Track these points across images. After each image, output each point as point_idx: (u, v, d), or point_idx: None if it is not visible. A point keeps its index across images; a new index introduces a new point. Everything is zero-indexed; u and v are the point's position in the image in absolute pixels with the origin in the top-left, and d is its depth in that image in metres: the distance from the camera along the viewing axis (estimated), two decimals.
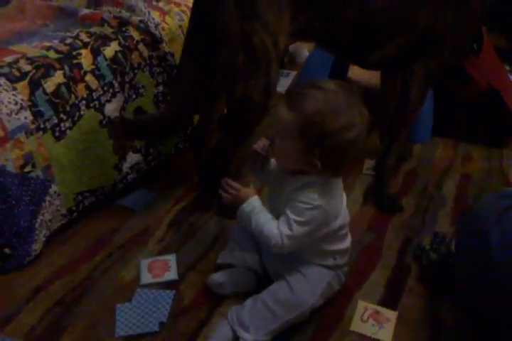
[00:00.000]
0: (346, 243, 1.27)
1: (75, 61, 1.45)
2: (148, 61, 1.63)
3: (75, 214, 1.52)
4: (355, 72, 2.61)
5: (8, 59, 1.37)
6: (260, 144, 1.25)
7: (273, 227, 1.13)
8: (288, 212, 1.12)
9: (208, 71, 1.38)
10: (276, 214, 1.17)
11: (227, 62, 1.32)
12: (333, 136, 1.04)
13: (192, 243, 1.50)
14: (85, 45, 1.49)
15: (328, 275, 1.23)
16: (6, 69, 1.33)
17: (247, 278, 1.30)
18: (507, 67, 2.20)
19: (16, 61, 1.36)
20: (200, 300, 1.29)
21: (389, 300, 1.32)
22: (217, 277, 1.29)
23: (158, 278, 1.36)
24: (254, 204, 1.17)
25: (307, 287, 1.19)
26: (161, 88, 1.68)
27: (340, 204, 1.20)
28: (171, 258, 1.42)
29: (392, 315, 1.27)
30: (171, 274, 1.37)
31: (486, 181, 1.84)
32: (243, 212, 1.18)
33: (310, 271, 1.21)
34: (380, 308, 1.29)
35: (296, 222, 1.11)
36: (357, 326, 1.24)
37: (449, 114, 2.03)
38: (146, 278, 1.36)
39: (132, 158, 1.64)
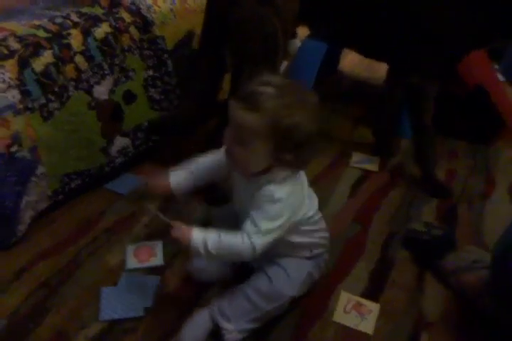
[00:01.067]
0: (321, 233, 1.26)
1: (64, 41, 1.42)
2: (138, 44, 1.61)
3: (61, 196, 1.50)
4: (346, 65, 2.62)
5: None
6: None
7: (236, 237, 1.06)
8: (252, 212, 1.07)
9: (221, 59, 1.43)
10: (240, 213, 1.16)
11: (239, 48, 1.36)
12: (300, 127, 1.00)
13: None
14: (75, 25, 1.46)
15: (308, 265, 1.24)
16: None
17: (226, 266, 1.30)
18: (495, 66, 2.22)
19: (4, 39, 1.33)
20: (185, 288, 1.29)
21: (372, 293, 1.33)
22: (198, 263, 1.29)
23: (143, 263, 1.36)
24: (202, 242, 1.05)
25: (286, 279, 1.19)
26: (150, 72, 1.66)
27: (304, 197, 1.17)
28: (158, 244, 1.42)
29: (374, 306, 1.29)
30: (157, 260, 1.37)
31: (470, 177, 1.86)
32: (198, 251, 1.07)
33: (288, 263, 1.20)
34: (362, 300, 1.30)
35: (263, 218, 1.06)
36: (339, 317, 1.25)
37: (437, 111, 2.04)
38: (132, 262, 1.36)
39: (120, 141, 1.63)
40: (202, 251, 1.05)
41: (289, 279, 1.19)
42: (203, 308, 1.19)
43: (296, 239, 1.19)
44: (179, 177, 1.22)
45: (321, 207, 1.57)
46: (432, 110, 1.67)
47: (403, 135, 1.99)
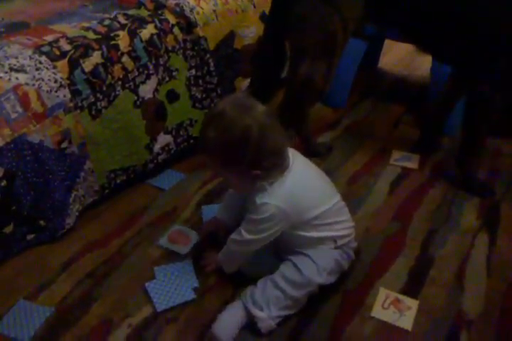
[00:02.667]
0: (343, 225, 1.28)
1: (112, 42, 1.48)
2: (182, 44, 1.65)
3: (107, 191, 1.56)
4: (386, 63, 2.61)
5: (49, 38, 1.41)
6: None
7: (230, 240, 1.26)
8: (249, 215, 1.20)
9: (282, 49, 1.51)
10: None
11: (300, 42, 1.42)
12: (241, 145, 1.08)
13: None
14: (123, 26, 1.52)
15: (335, 253, 1.26)
16: (46, 48, 1.37)
17: (267, 259, 1.33)
18: None
19: (57, 40, 1.40)
20: (225, 281, 1.33)
21: (411, 290, 1.33)
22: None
23: (172, 245, 1.43)
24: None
25: (313, 267, 1.21)
26: (193, 71, 1.70)
27: (309, 194, 1.22)
28: (195, 236, 1.47)
29: (413, 303, 1.28)
30: (184, 248, 1.42)
31: None
32: (225, 260, 1.31)
33: (314, 252, 1.23)
34: (401, 296, 1.30)
35: (251, 220, 1.19)
36: (378, 312, 1.26)
37: None
38: (164, 240, 1.44)
39: (163, 139, 1.67)
40: (222, 261, 1.30)
41: (315, 266, 1.22)
42: (236, 299, 1.23)
43: (316, 234, 1.23)
44: (222, 213, 1.44)
45: (360, 204, 1.62)
46: (494, 118, 1.62)
47: (446, 132, 1.97)
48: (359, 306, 1.27)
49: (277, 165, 1.15)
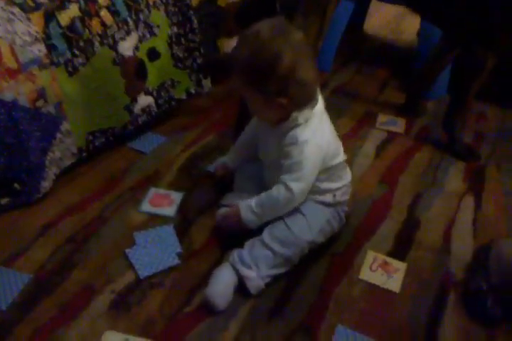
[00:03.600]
0: (346, 180, 1.29)
1: None
2: (164, 0, 1.56)
3: (85, 153, 1.50)
4: (371, 26, 2.55)
5: None
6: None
7: (273, 190, 1.17)
8: (282, 161, 1.15)
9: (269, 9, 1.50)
10: (270, 166, 1.25)
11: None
12: (270, 70, 1.04)
13: (202, 188, 1.48)
14: None
15: (327, 212, 1.25)
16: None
17: None
18: None
19: None
20: (211, 244, 1.29)
21: (398, 252, 1.32)
22: (224, 210, 1.30)
23: (156, 208, 1.38)
24: (248, 208, 1.20)
25: (304, 224, 1.20)
26: (175, 29, 1.62)
27: (333, 141, 1.21)
28: (179, 195, 1.43)
29: (401, 265, 1.28)
30: (170, 210, 1.38)
31: (499, 140, 1.82)
32: (248, 218, 1.21)
33: (308, 209, 1.22)
34: (389, 259, 1.30)
35: (291, 164, 1.14)
36: (366, 275, 1.25)
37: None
38: (146, 205, 1.39)
39: (144, 100, 1.60)
40: (252, 216, 1.19)
41: (307, 224, 1.20)
42: (225, 262, 1.20)
43: (325, 184, 1.22)
44: (231, 156, 1.42)
45: None
46: (483, 79, 1.61)
47: (431, 96, 1.95)
48: (347, 268, 1.26)
49: (306, 98, 1.11)
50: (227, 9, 1.81)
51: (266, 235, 1.19)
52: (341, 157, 1.24)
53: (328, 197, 1.24)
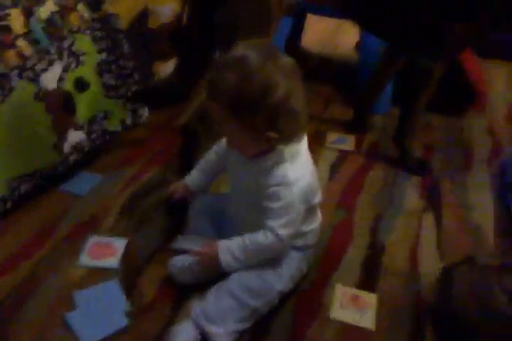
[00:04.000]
0: (318, 221, 1.21)
1: (2, 23, 1.24)
2: (89, 24, 1.44)
3: (10, 203, 1.34)
4: (308, 41, 2.51)
5: None
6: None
7: (259, 235, 1.04)
8: (267, 203, 1.02)
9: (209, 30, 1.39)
10: (244, 204, 1.13)
11: (232, 17, 1.30)
12: (261, 100, 0.91)
13: (148, 231, 1.35)
14: (15, 4, 1.28)
15: (297, 258, 1.16)
16: None
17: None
18: None
19: None
20: (164, 295, 1.16)
21: (367, 282, 1.25)
22: (180, 261, 1.16)
23: (98, 261, 1.23)
24: (228, 251, 1.06)
25: (275, 272, 1.11)
26: (104, 55, 1.50)
27: (314, 177, 1.12)
28: (122, 242, 1.29)
29: (371, 298, 1.21)
30: (114, 260, 1.24)
31: (448, 151, 1.80)
32: (228, 262, 1.06)
33: (278, 258, 1.12)
34: (358, 291, 1.22)
35: (280, 208, 1.01)
36: (337, 313, 1.16)
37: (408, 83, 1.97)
38: (85, 259, 1.24)
39: (74, 136, 1.46)
40: (231, 261, 1.06)
41: (276, 272, 1.11)
42: (185, 319, 1.08)
43: (300, 226, 1.11)
44: (193, 177, 1.27)
45: None
46: (433, 91, 1.59)
47: (378, 110, 1.92)
48: (317, 307, 1.17)
49: (296, 131, 0.98)
50: (159, 31, 1.71)
51: (234, 284, 1.07)
52: (319, 195, 1.14)
53: (299, 242, 1.15)
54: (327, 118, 1.95)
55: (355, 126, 1.87)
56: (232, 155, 1.12)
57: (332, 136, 1.82)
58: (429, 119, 1.96)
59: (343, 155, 1.73)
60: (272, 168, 1.01)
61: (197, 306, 1.07)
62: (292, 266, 1.14)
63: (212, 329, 1.03)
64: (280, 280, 1.11)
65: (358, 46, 2.26)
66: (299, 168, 1.03)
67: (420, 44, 1.48)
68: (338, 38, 2.56)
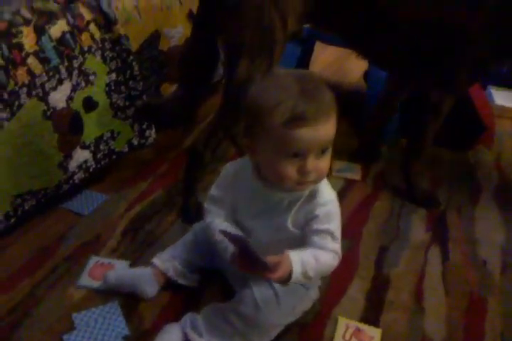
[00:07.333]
0: None
1: (14, 40, 1.24)
2: (100, 44, 1.44)
3: (13, 219, 1.32)
4: (316, 68, 2.52)
5: None
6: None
7: (328, 257, 1.02)
8: (319, 226, 1.01)
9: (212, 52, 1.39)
10: (271, 241, 1.05)
11: (235, 38, 1.28)
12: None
13: (150, 253, 1.31)
14: (27, 22, 1.28)
15: (302, 292, 1.12)
16: None
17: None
18: None
19: None
20: (164, 321, 1.13)
21: (370, 315, 1.22)
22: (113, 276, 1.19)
23: (99, 281, 1.21)
24: (299, 266, 0.96)
25: (277, 306, 1.05)
26: (113, 76, 1.49)
27: None
28: (122, 265, 1.27)
29: (375, 332, 1.17)
30: None
31: (455, 184, 1.78)
32: (295, 281, 0.98)
33: (282, 288, 1.06)
34: (362, 325, 1.19)
35: (337, 227, 1.04)
36: None
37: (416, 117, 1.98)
38: (85, 278, 1.22)
39: (80, 155, 1.45)
40: (300, 277, 0.97)
41: (279, 305, 1.06)
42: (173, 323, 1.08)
43: None
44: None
45: None
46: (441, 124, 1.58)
47: (384, 140, 1.91)
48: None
49: None
50: (169, 54, 1.72)
51: (231, 308, 1.05)
52: None
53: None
54: (335, 146, 1.94)
55: (362, 156, 1.86)
56: (246, 204, 1.08)
57: (338, 164, 1.80)
58: (436, 153, 1.96)
59: (350, 184, 1.71)
60: (312, 191, 1.02)
61: (187, 316, 1.07)
62: (296, 301, 1.10)
63: (195, 338, 1.03)
64: (282, 316, 1.07)
65: (366, 74, 2.28)
66: (325, 181, 1.05)
67: (431, 77, 1.48)
68: (346, 66, 2.58)
